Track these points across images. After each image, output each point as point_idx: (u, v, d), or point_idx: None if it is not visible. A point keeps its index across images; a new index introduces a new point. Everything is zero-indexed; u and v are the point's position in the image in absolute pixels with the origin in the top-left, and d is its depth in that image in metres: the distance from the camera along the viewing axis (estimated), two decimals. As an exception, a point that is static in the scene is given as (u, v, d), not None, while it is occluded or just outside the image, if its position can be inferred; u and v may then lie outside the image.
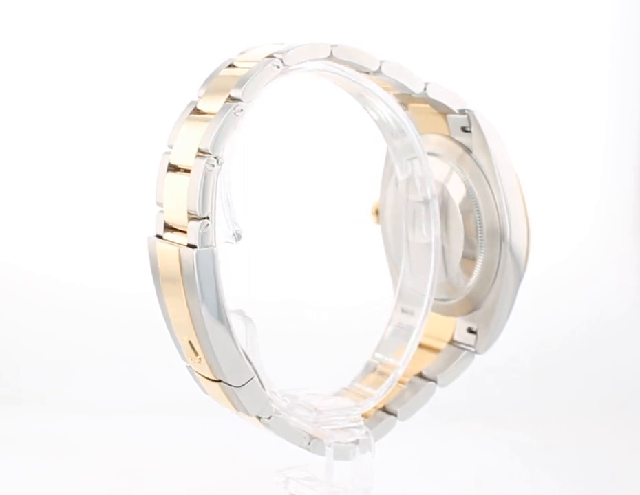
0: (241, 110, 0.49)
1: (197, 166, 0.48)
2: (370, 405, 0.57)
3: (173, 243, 0.50)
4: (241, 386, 0.51)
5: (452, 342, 0.59)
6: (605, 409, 0.76)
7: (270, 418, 0.53)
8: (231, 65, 0.51)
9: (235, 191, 0.52)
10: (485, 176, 0.55)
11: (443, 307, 0.59)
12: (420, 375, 0.58)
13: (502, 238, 0.55)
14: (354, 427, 0.55)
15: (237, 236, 0.51)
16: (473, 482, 0.63)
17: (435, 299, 0.58)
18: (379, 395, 0.57)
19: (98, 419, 0.72)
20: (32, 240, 0.90)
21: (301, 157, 0.89)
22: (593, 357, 0.83)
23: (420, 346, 0.59)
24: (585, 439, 0.71)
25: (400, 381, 0.58)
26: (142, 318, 0.79)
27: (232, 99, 0.49)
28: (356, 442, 0.54)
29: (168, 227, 0.50)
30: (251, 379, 0.51)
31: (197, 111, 0.51)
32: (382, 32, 0.90)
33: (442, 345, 0.59)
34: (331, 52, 0.51)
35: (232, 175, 0.51)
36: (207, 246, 0.48)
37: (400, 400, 0.58)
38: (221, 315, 0.50)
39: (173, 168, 0.50)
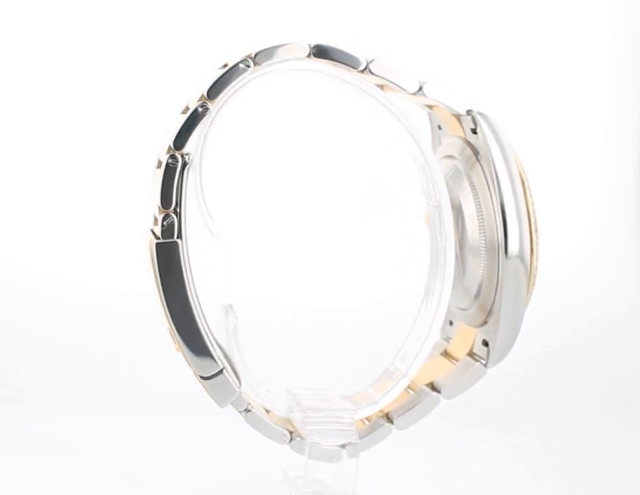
0: (206, 108, 0.50)
1: (163, 161, 0.51)
2: (370, 410, 0.56)
3: (152, 235, 0.52)
4: (208, 377, 0.53)
5: (470, 353, 0.57)
6: (607, 409, 0.76)
7: (247, 412, 0.54)
8: (225, 65, 0.52)
9: (217, 188, 0.54)
10: (487, 182, 0.54)
11: (465, 316, 0.57)
12: (431, 384, 0.57)
13: (500, 249, 0.53)
14: (342, 430, 0.54)
15: (214, 233, 0.53)
16: (477, 486, 0.63)
17: (458, 308, 0.57)
18: (381, 402, 0.56)
19: (98, 419, 0.72)
20: (32, 240, 0.90)
21: (295, 157, 0.89)
22: (593, 357, 0.83)
23: (446, 354, 0.58)
24: (587, 441, 0.71)
25: (412, 389, 0.57)
26: (142, 318, 0.78)
27: (204, 97, 0.51)
28: (343, 446, 0.54)
29: (156, 220, 0.52)
30: (219, 372, 0.53)
31: (186, 110, 0.52)
32: (392, 32, 0.90)
33: (462, 355, 0.57)
34: (310, 51, 0.51)
35: (208, 172, 0.52)
36: (170, 239, 0.50)
37: (403, 408, 0.56)
38: (186, 307, 0.51)
39: (159, 164, 0.52)
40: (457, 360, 0.57)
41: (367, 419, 0.57)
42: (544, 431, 0.72)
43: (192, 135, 0.51)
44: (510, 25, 0.94)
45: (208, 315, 0.55)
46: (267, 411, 0.56)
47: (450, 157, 0.56)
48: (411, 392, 0.57)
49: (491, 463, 0.66)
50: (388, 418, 0.56)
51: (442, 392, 0.56)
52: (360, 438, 0.55)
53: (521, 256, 0.53)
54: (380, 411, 0.56)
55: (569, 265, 0.92)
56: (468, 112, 0.54)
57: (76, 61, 0.91)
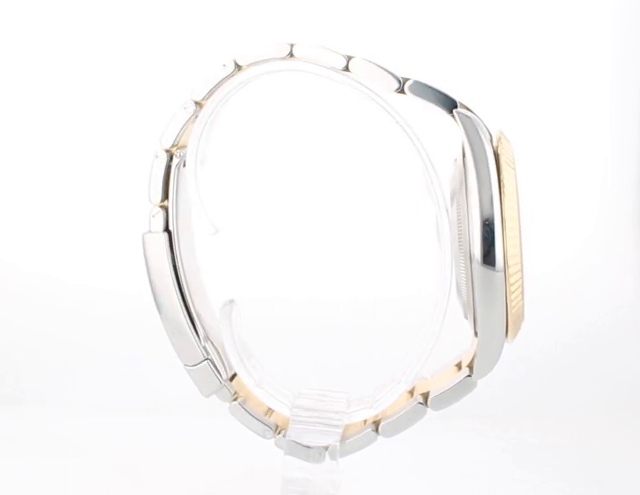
0: (191, 108, 0.53)
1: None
2: (365, 414, 0.55)
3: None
4: (191, 366, 0.56)
5: (470, 364, 0.54)
6: (607, 409, 0.76)
7: (235, 401, 0.56)
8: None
9: (220, 185, 0.56)
10: (466, 186, 0.51)
11: (469, 326, 0.55)
12: (427, 394, 0.55)
13: (471, 257, 0.50)
14: (325, 431, 0.55)
15: (209, 229, 0.55)
16: (475, 485, 0.63)
17: (465, 317, 0.56)
18: (374, 406, 0.55)
19: (98, 419, 0.72)
20: (32, 240, 0.90)
21: (296, 155, 0.89)
22: (594, 358, 0.83)
23: (458, 364, 0.56)
24: (587, 441, 0.71)
25: (411, 396, 0.56)
26: (142, 318, 0.78)
27: (191, 98, 0.53)
28: (326, 448, 0.54)
29: None
30: (202, 361, 0.55)
31: None
32: (397, 34, 0.90)
33: (464, 366, 0.55)
34: (291, 51, 0.51)
35: (211, 169, 0.55)
36: (156, 231, 0.54)
37: (391, 416, 0.55)
38: (171, 296, 0.54)
39: None
40: (460, 369, 0.56)
41: (365, 422, 0.56)
42: (544, 431, 0.72)
43: (178, 133, 0.53)
44: (511, 26, 0.94)
45: (208, 308, 0.57)
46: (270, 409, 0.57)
47: (455, 159, 0.56)
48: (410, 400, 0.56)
49: (489, 463, 0.66)
50: (378, 423, 0.56)
51: (429, 402, 0.54)
52: (345, 441, 0.55)
53: (489, 263, 0.49)
54: (382, 413, 0.56)
55: (570, 267, 0.92)
56: (454, 112, 0.51)
57: (76, 62, 0.91)
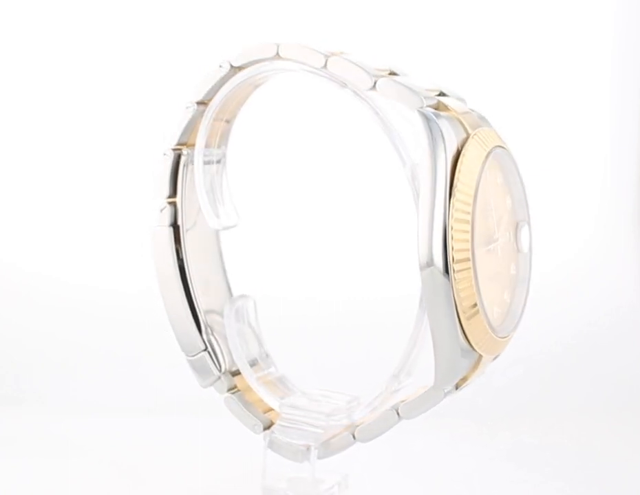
0: (192, 107, 0.54)
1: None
2: (353, 418, 0.55)
3: None
4: (191, 356, 0.57)
5: None
6: (608, 410, 0.76)
7: (234, 394, 0.57)
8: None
9: (227, 183, 0.57)
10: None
11: None
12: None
13: (419, 263, 0.47)
14: (307, 431, 0.55)
15: (219, 225, 0.57)
16: (474, 485, 0.63)
17: None
18: (360, 410, 0.54)
19: (98, 419, 0.72)
20: (32, 240, 0.90)
21: (306, 156, 0.89)
22: (594, 358, 0.83)
23: None
24: (587, 441, 0.70)
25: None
26: (142, 318, 0.79)
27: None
28: (307, 447, 0.54)
29: None
30: (201, 352, 0.57)
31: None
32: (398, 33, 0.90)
33: None
34: (277, 51, 0.51)
35: (215, 170, 0.57)
36: (163, 225, 0.56)
37: (370, 420, 0.54)
38: (172, 287, 0.56)
39: None
40: None
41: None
42: (544, 431, 0.72)
43: (183, 132, 0.55)
44: (511, 26, 0.94)
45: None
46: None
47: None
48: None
49: (488, 463, 0.66)
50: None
51: (399, 409, 0.52)
52: (326, 442, 0.55)
53: (429, 266, 0.47)
54: (367, 417, 0.54)
55: (570, 267, 0.92)
56: (417, 111, 0.48)
57: (76, 61, 0.91)
